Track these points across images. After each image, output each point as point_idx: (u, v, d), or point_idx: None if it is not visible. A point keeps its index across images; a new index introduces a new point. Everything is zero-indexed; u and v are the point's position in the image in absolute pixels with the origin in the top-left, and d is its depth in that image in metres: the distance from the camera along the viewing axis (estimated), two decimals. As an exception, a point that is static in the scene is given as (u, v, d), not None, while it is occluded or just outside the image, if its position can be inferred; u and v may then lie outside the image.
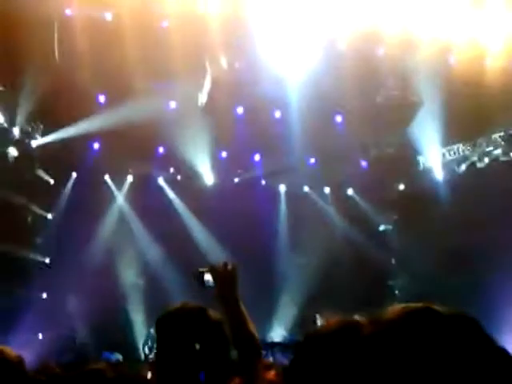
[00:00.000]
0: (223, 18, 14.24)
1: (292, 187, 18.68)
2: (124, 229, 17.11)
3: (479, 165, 17.14)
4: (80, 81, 14.57)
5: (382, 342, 1.49)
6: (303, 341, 2.16)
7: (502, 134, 16.80)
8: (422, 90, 16.29)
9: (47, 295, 15.99)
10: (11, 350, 3.40)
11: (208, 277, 3.27)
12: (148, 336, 15.31)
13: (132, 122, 14.84)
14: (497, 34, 15.27)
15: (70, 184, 16.90)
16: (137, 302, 16.71)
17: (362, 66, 15.11)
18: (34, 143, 15.87)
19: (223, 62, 15.74)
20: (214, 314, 3.05)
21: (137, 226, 17.32)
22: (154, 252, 17.22)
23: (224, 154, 17.61)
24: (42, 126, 15.88)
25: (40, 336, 15.27)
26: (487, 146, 17.05)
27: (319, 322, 15.57)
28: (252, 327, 3.16)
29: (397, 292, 18.00)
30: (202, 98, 15.95)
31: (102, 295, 14.82)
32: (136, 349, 16.10)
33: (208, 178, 17.76)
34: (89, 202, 16.14)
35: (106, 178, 17.52)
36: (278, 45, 15.10)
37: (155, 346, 3.12)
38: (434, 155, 17.59)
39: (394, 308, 1.55)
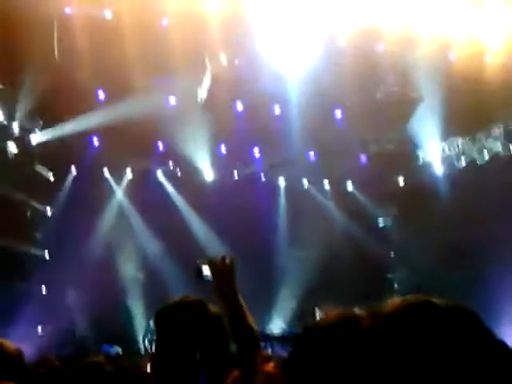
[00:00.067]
0: (223, 15, 14.25)
1: (291, 182, 18.67)
2: (123, 223, 17.13)
3: (479, 160, 17.14)
4: (79, 78, 14.59)
5: (381, 334, 1.49)
6: (302, 333, 2.17)
7: (501, 129, 16.80)
8: (421, 87, 16.30)
9: (47, 289, 16.00)
10: (10, 343, 3.41)
11: (206, 270, 3.28)
12: (147, 329, 15.35)
13: (131, 118, 14.86)
14: (496, 31, 15.27)
15: (69, 179, 16.91)
16: (136, 296, 16.73)
17: (361, 62, 15.12)
18: (34, 139, 15.87)
19: (223, 59, 15.76)
20: (213, 307, 3.07)
21: (136, 220, 17.33)
22: (153, 246, 17.24)
23: (223, 150, 17.61)
24: (41, 122, 15.89)
25: (39, 329, 15.29)
26: (486, 141, 17.06)
27: (318, 315, 15.59)
28: (251, 320, 3.18)
29: (396, 286, 17.99)
30: (202, 95, 15.96)
31: (102, 289, 14.85)
32: (135, 342, 16.15)
33: (208, 173, 17.76)
34: (88, 198, 16.16)
35: (106, 173, 17.51)
36: (277, 41, 15.12)
37: (155, 338, 3.13)
38: (434, 150, 17.60)
39: (393, 301, 1.56)
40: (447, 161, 17.62)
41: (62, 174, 16.82)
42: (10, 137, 15.35)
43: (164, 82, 15.58)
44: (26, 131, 15.72)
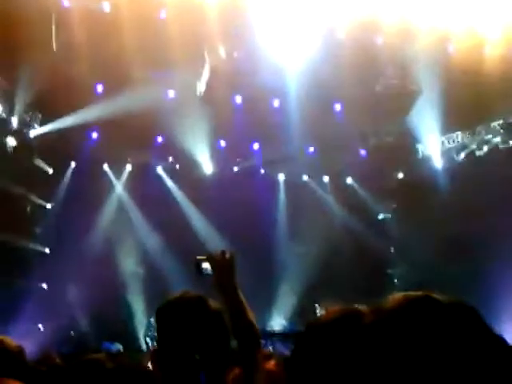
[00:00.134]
0: (221, 8, 14.21)
1: (291, 176, 18.68)
2: (123, 218, 17.14)
3: (478, 153, 17.14)
4: (78, 71, 14.56)
5: (384, 330, 1.49)
6: (304, 330, 2.16)
7: (500, 122, 16.79)
8: (420, 79, 16.28)
9: (47, 285, 16.03)
10: (11, 340, 3.41)
11: (206, 265, 3.27)
12: (149, 326, 15.35)
13: (130, 111, 14.83)
14: (495, 23, 15.24)
15: (68, 173, 16.91)
16: (136, 291, 16.76)
17: (360, 54, 15.09)
18: (33, 133, 15.86)
19: (222, 52, 15.73)
20: (213, 303, 3.06)
21: (136, 215, 17.34)
22: (153, 241, 17.24)
23: (223, 143, 17.60)
24: (40, 116, 15.87)
25: (40, 326, 15.30)
26: (486, 134, 17.05)
27: (318, 311, 15.61)
28: (251, 316, 3.16)
29: (396, 280, 18.03)
30: (201, 88, 15.93)
31: (102, 284, 14.86)
32: (136, 338, 16.17)
33: (207, 167, 17.76)
34: (87, 192, 16.16)
35: (105, 167, 17.51)
36: (276, 34, 15.08)
37: (155, 335, 3.13)
38: (433, 143, 17.59)
39: (395, 296, 1.56)
40: (447, 154, 17.62)
41: (61, 168, 16.82)
42: (9, 131, 15.34)
43: (163, 74, 15.56)
44: (24, 125, 15.71)
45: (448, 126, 17.03)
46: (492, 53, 15.35)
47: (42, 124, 15.90)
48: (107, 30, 13.97)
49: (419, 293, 1.54)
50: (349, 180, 18.71)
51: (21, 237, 15.40)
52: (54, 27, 14.22)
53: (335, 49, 15.26)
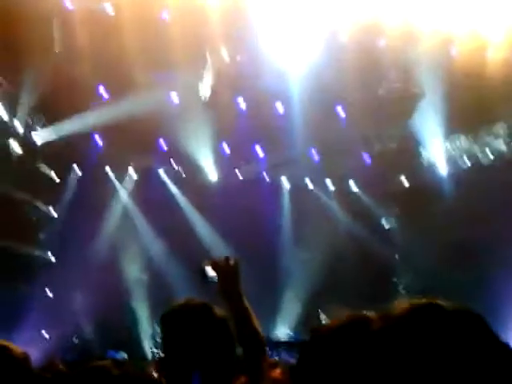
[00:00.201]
0: (223, 10, 14.21)
1: (294, 180, 18.64)
2: (127, 224, 17.11)
3: (482, 159, 17.10)
4: (80, 74, 14.56)
5: (392, 336, 1.50)
6: (310, 336, 2.15)
7: (503, 125, 16.77)
8: (423, 82, 16.26)
9: (51, 292, 15.99)
10: (17, 347, 3.40)
11: (210, 271, 3.26)
12: (153, 334, 15.31)
13: (133, 115, 14.83)
14: (498, 26, 15.23)
15: (72, 179, 16.88)
16: (141, 298, 16.73)
17: (363, 58, 15.09)
18: (36, 137, 15.85)
19: (224, 54, 15.73)
20: (218, 310, 3.05)
21: (140, 221, 17.30)
22: (157, 247, 17.21)
23: (226, 147, 17.58)
24: (43, 119, 15.86)
25: (44, 333, 15.27)
26: (489, 138, 17.02)
27: (323, 319, 15.57)
28: (256, 323, 3.16)
29: (401, 287, 17.94)
30: (204, 92, 15.93)
31: (107, 291, 14.84)
32: (141, 347, 16.13)
33: (211, 172, 17.70)
34: (92, 197, 16.15)
35: (109, 172, 17.49)
36: (279, 37, 15.09)
37: (160, 343, 3.11)
38: (437, 148, 17.55)
39: (402, 303, 1.56)
40: (451, 160, 17.58)
41: (64, 173, 16.80)
42: (13, 135, 15.33)
43: (165, 77, 15.55)
44: (28, 128, 15.70)
45: (451, 130, 17.00)
46: (495, 56, 15.34)
47: (45, 128, 15.89)
48: (109, 32, 13.98)
49: (426, 299, 1.55)
50: (352, 185, 18.65)
51: (25, 243, 15.37)
52: (56, 29, 14.23)
53: (338, 52, 15.26)
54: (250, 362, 3.07)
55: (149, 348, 15.70)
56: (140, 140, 15.84)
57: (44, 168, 16.25)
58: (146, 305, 16.49)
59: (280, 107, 16.87)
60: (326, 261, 16.97)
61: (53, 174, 16.52)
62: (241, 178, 18.00)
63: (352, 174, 18.36)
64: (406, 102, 16.66)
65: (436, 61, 15.47)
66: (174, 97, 16.29)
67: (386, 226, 18.67)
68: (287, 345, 15.08)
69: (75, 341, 15.59)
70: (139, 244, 17.24)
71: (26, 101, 15.03)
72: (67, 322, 15.30)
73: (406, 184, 18.22)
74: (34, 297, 15.03)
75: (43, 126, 15.90)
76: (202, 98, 15.94)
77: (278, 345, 15.02)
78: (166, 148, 17.22)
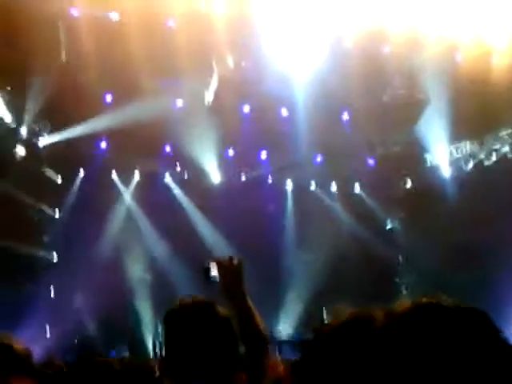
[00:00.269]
0: (229, 17, 14.26)
1: (299, 184, 18.65)
2: (131, 226, 17.15)
3: (486, 162, 17.09)
4: (86, 80, 14.61)
5: (397, 333, 1.51)
6: (313, 334, 2.15)
7: (509, 131, 16.76)
8: (428, 88, 16.27)
9: (55, 292, 16.02)
10: (20, 345, 3.42)
11: (214, 271, 3.27)
12: (156, 333, 15.31)
13: (139, 120, 14.87)
14: (503, 32, 15.24)
15: (77, 182, 16.94)
16: (144, 297, 16.75)
17: (368, 64, 15.10)
18: (42, 142, 15.91)
19: (229, 61, 15.77)
20: (222, 309, 3.05)
21: (144, 223, 17.35)
22: (161, 248, 17.25)
23: (231, 153, 17.61)
24: (49, 125, 15.92)
25: (47, 332, 15.30)
26: (494, 144, 17.01)
27: (326, 318, 15.52)
28: (259, 322, 3.17)
29: (404, 288, 17.94)
30: (209, 97, 15.97)
31: (110, 291, 14.88)
32: (144, 346, 16.13)
33: (215, 176, 17.76)
34: (96, 200, 16.21)
35: (114, 176, 17.54)
36: (284, 43, 15.12)
37: (163, 341, 3.11)
38: (441, 153, 17.54)
39: (405, 302, 1.58)
40: (455, 164, 17.57)
41: (69, 177, 16.86)
42: (19, 140, 15.39)
43: (171, 84, 15.62)
44: (34, 134, 15.76)
45: (456, 136, 16.99)
46: (500, 62, 15.35)
47: (51, 133, 15.95)
48: (115, 39, 14.04)
49: (430, 298, 1.57)
50: (356, 188, 18.66)
51: (29, 245, 15.42)
52: (62, 36, 14.29)
53: (342, 58, 15.27)
54: (251, 361, 3.07)
55: (152, 347, 15.68)
56: (146, 145, 15.89)
57: (49, 172, 16.30)
58: (149, 304, 16.50)
59: (285, 112, 16.90)
60: (329, 261, 16.98)
61: (58, 177, 16.57)
62: (244, 179, 18.05)
63: (356, 176, 18.37)
64: (410, 109, 16.67)
65: (441, 67, 15.48)
66: (180, 103, 16.34)
67: (390, 228, 18.66)
68: (289, 344, 15.07)
69: (79, 342, 15.58)
70: (143, 245, 17.28)
71: (32, 107, 15.08)
72: (71, 321, 15.33)
73: (410, 187, 18.21)
74: (39, 296, 15.06)
75: (49, 132, 15.96)
76: (207, 103, 15.98)
77: (279, 344, 15.01)
78: (171, 153, 17.27)
